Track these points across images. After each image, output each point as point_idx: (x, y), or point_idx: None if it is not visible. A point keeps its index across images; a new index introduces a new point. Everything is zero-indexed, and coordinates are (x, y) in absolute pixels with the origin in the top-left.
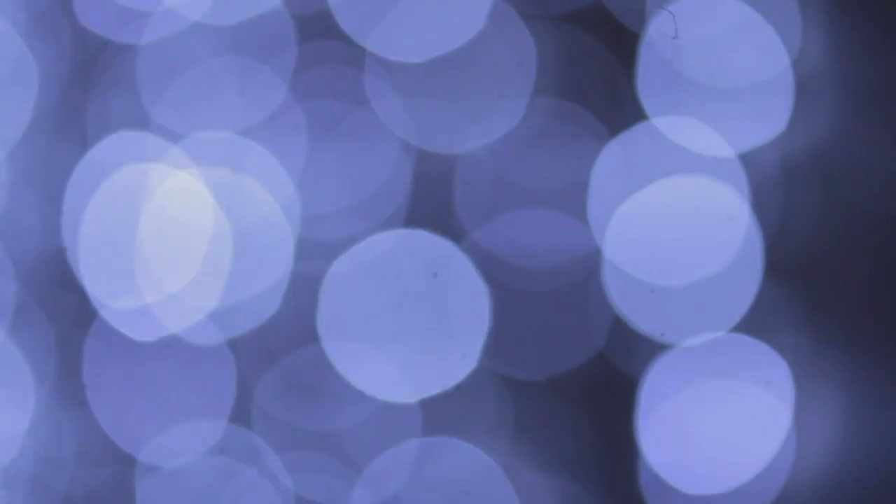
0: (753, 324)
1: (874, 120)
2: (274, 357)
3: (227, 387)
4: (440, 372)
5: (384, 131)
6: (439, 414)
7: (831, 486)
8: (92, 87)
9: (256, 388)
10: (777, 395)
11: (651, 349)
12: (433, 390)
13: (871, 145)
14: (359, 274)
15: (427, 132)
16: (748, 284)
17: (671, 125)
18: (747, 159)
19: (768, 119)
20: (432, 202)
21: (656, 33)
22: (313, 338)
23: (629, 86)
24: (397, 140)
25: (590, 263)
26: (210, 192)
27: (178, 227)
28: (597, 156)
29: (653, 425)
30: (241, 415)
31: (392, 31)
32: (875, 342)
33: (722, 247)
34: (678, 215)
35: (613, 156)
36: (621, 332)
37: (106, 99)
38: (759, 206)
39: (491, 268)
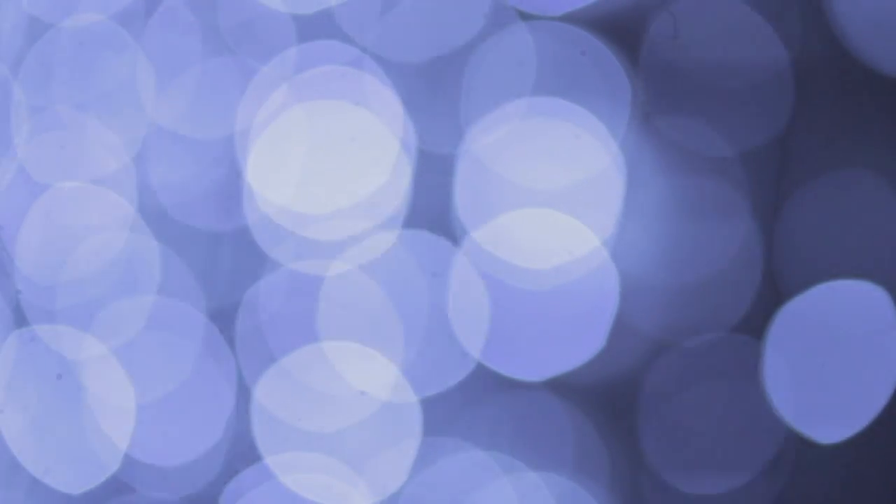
0: (753, 324)
1: (874, 120)
2: (274, 357)
3: (227, 387)
4: (440, 372)
5: (384, 131)
6: (439, 414)
7: (831, 486)
8: (92, 86)
9: (256, 388)
10: (777, 395)
11: (651, 349)
12: (433, 390)
13: (871, 145)
14: (359, 274)
15: (427, 132)
16: (748, 284)
17: (671, 125)
18: (747, 159)
19: (768, 119)
20: (432, 202)
21: (656, 33)
22: (313, 338)
23: (629, 86)
24: (397, 140)
25: (590, 263)
26: (211, 191)
27: (177, 227)
28: (597, 156)
29: (653, 425)
30: (241, 415)
31: (392, 31)
32: (875, 341)
33: (722, 247)
34: (678, 215)
35: (613, 156)
36: (621, 332)
37: (106, 99)
38: (759, 206)
39: (491, 268)
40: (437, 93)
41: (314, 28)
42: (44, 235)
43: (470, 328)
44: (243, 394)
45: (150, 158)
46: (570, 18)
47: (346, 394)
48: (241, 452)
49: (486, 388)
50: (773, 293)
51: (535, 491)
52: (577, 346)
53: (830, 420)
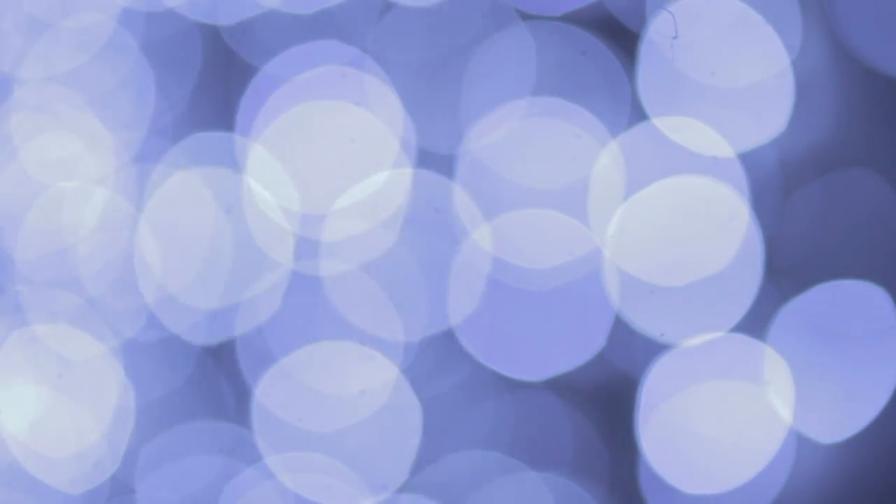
0: (753, 324)
1: (874, 120)
2: (274, 357)
3: (227, 387)
4: (440, 372)
5: (384, 131)
6: (439, 414)
7: (831, 486)
8: (92, 86)
9: (256, 388)
10: (777, 395)
11: (651, 349)
12: (433, 390)
13: (871, 145)
14: (359, 274)
15: (427, 132)
16: (748, 284)
17: (671, 125)
18: (747, 159)
19: (768, 119)
20: (432, 202)
21: (656, 33)
22: (313, 338)
23: (629, 86)
24: (397, 140)
25: (590, 263)
26: (210, 192)
27: (178, 227)
28: (597, 156)
29: (653, 425)
30: (241, 415)
31: (392, 31)
32: (874, 341)
33: (722, 247)
34: (678, 215)
35: (613, 156)
36: (621, 332)
37: (106, 99)
38: (759, 206)
39: (491, 268)
40: (437, 93)
41: (314, 28)
42: (44, 235)
43: (470, 328)
44: (243, 394)
45: (150, 158)
46: (570, 18)
47: (346, 394)
48: (241, 452)
49: (486, 388)
50: (773, 293)
51: (535, 491)
52: (577, 346)
53: (830, 420)
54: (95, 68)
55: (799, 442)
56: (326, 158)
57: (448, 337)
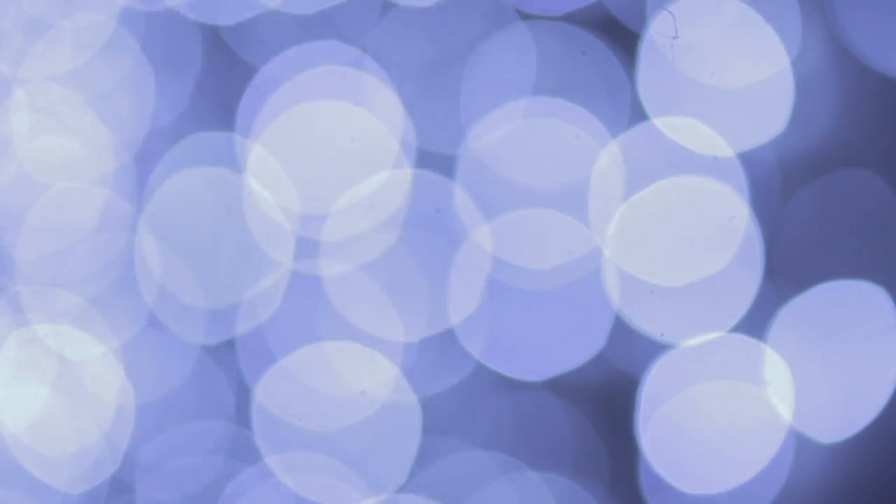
0: (753, 324)
1: (874, 120)
2: (274, 357)
3: (227, 387)
4: (440, 372)
5: (384, 131)
6: (439, 414)
7: (831, 486)
8: (92, 86)
9: (256, 388)
10: (777, 395)
11: (651, 349)
12: (433, 390)
13: (871, 145)
14: (359, 274)
15: (427, 132)
16: (748, 284)
17: (671, 125)
18: (747, 159)
19: (768, 119)
20: (432, 202)
21: (656, 33)
22: (313, 338)
23: (629, 86)
24: (397, 140)
25: (590, 263)
26: (210, 192)
27: (178, 227)
28: (597, 156)
29: (653, 425)
30: (241, 415)
31: (392, 31)
32: (874, 341)
33: (722, 247)
34: (678, 215)
35: (613, 156)
36: (621, 332)
37: (106, 99)
38: (759, 206)
39: (491, 268)
40: (437, 93)
41: (314, 28)
42: (44, 235)
43: (470, 328)
44: (243, 394)
45: (150, 158)
46: (570, 18)
47: (346, 394)
48: (241, 452)
49: (486, 388)
50: (773, 293)
51: (535, 491)
52: (577, 346)
53: (830, 420)
54: (95, 68)
55: (799, 442)
56: (326, 158)
57: (448, 337)
